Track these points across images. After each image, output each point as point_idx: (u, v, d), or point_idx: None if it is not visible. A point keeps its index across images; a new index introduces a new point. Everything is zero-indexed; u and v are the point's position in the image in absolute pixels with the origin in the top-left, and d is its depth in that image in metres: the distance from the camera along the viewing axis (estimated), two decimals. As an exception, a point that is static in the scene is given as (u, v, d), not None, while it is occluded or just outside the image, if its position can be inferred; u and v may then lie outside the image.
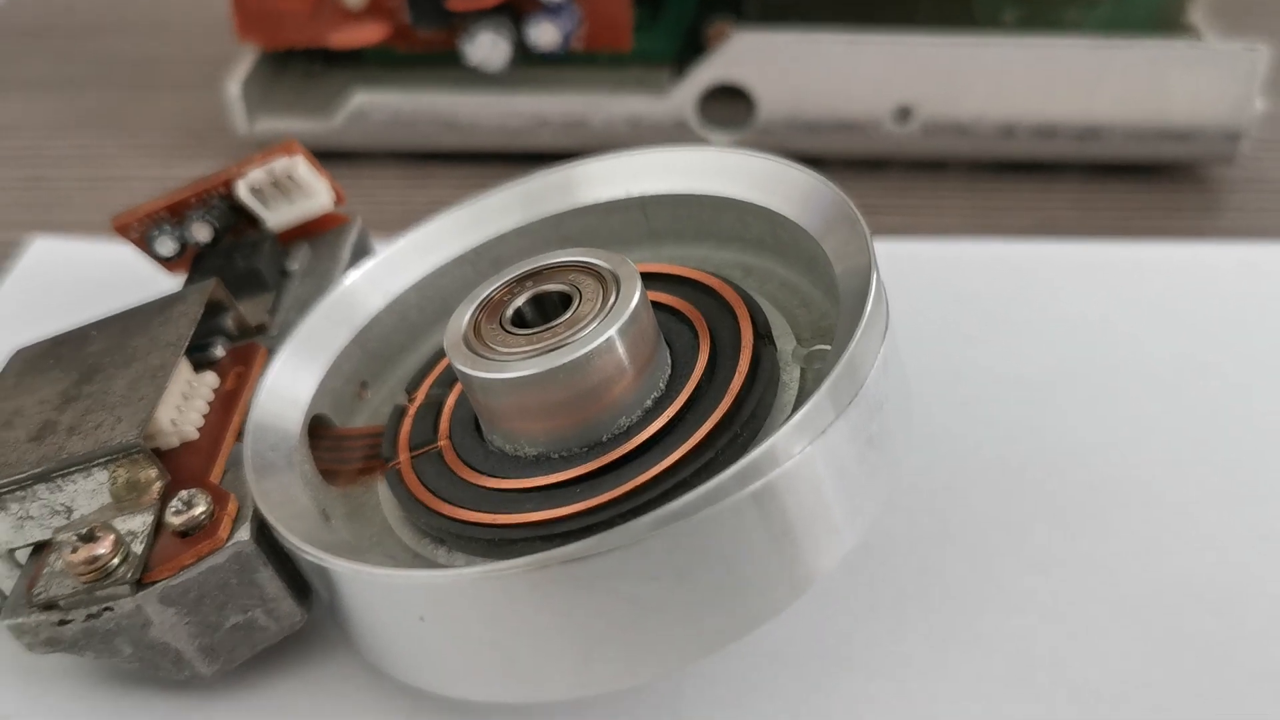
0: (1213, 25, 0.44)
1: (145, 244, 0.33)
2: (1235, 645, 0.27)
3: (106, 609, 0.24)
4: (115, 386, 0.27)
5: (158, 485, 0.26)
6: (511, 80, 0.45)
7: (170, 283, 0.35)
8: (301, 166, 0.32)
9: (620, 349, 0.24)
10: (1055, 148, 0.44)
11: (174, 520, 0.25)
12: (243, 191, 0.33)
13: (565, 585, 0.21)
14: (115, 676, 0.27)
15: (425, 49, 0.45)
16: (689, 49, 0.46)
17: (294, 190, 0.33)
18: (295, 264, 0.33)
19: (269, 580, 0.25)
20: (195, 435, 0.27)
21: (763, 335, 0.26)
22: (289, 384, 0.28)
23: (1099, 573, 0.29)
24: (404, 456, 0.27)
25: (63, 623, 0.25)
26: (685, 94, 0.44)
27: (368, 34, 0.44)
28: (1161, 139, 0.43)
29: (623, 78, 0.45)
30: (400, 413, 0.28)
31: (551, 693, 0.23)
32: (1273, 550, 0.29)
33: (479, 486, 0.25)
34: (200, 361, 0.29)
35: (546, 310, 0.26)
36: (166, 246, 0.33)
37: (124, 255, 0.36)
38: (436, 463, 0.26)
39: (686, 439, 0.24)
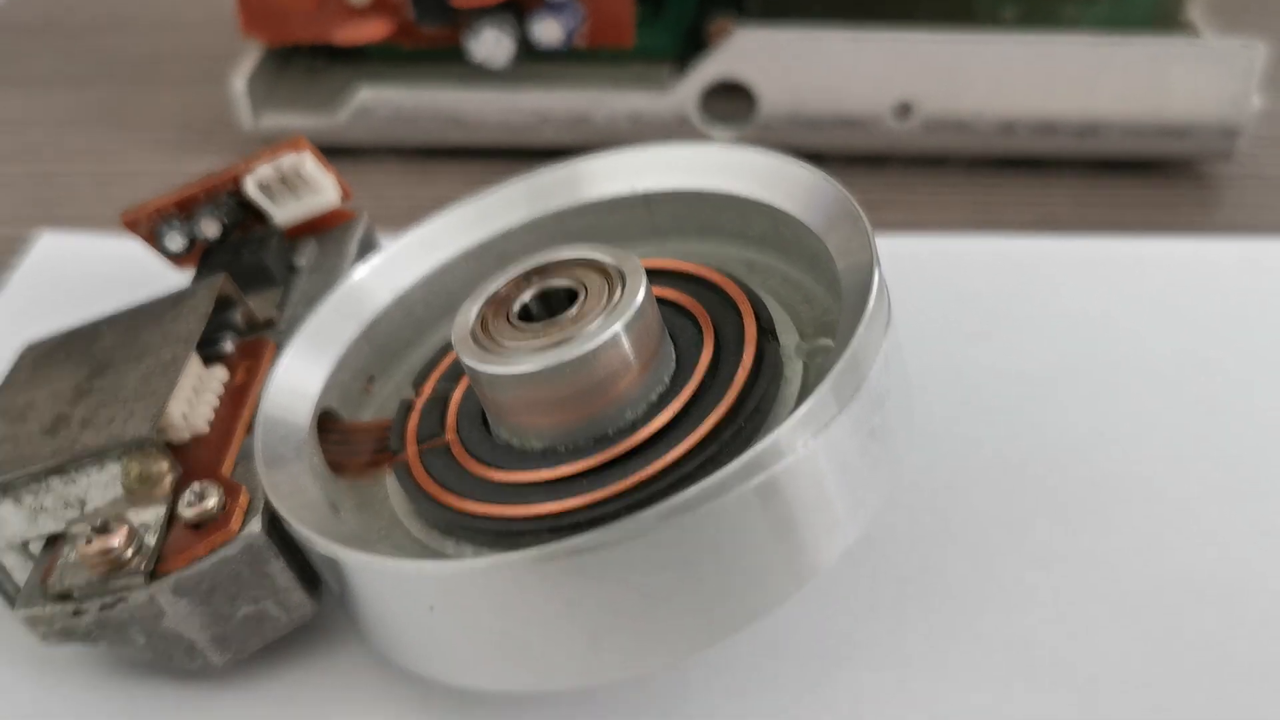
0: (1210, 23, 0.44)
1: (154, 239, 0.34)
2: (1235, 641, 0.27)
3: (120, 599, 0.25)
4: (127, 381, 0.27)
5: (169, 478, 0.26)
6: (515, 77, 0.45)
7: (178, 278, 0.35)
8: (309, 163, 0.33)
9: (626, 344, 0.24)
10: (1055, 144, 0.44)
11: (186, 512, 0.25)
12: (251, 188, 0.33)
13: (573, 576, 0.22)
14: (128, 666, 0.28)
15: (429, 45, 0.45)
16: (691, 45, 0.46)
17: (301, 186, 0.33)
18: (302, 259, 0.33)
19: (280, 572, 0.25)
20: (206, 429, 0.28)
21: (766, 330, 0.26)
22: (298, 378, 0.29)
23: (1100, 568, 0.29)
24: (412, 450, 0.27)
25: (77, 613, 0.25)
26: (687, 90, 0.44)
27: (372, 30, 0.45)
28: (1160, 135, 0.43)
29: (625, 74, 0.45)
30: (407, 407, 0.29)
31: (559, 682, 0.24)
32: (1273, 545, 0.29)
33: (487, 479, 0.25)
34: (210, 356, 0.30)
35: (552, 306, 0.26)
36: (175, 242, 0.33)
37: (131, 250, 0.36)
38: (444, 456, 0.27)
39: (691, 433, 0.24)
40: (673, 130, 0.44)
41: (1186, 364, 0.35)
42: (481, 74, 0.45)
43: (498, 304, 0.26)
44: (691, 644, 0.23)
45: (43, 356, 0.30)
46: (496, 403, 0.25)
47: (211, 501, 0.25)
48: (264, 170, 0.33)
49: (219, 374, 0.29)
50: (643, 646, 0.23)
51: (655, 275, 0.28)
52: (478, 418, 0.27)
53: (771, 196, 0.28)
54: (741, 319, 0.26)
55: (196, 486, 0.25)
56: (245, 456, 0.27)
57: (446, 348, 0.30)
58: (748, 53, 0.43)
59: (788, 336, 0.27)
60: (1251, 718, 0.26)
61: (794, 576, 0.23)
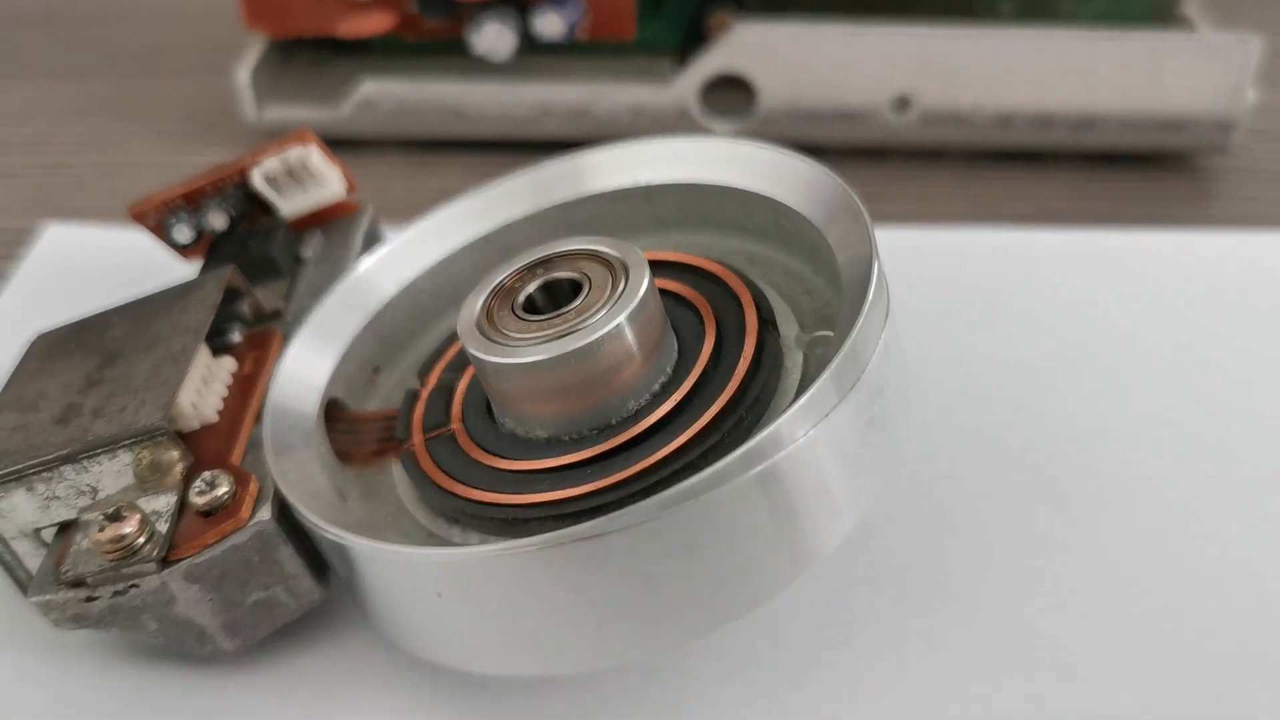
0: (1206, 17, 0.45)
1: (162, 231, 0.34)
2: (1226, 627, 0.28)
3: (133, 586, 0.25)
4: (138, 371, 0.28)
5: (180, 466, 0.26)
6: (517, 70, 0.45)
7: (185, 269, 0.35)
8: (315, 156, 0.33)
9: (629, 335, 0.25)
10: (1051, 137, 0.44)
11: (197, 500, 0.25)
12: (257, 180, 0.33)
13: (577, 563, 0.22)
14: (139, 651, 0.28)
15: (432, 38, 0.46)
16: (691, 39, 0.47)
17: (307, 179, 0.33)
18: (309, 251, 0.34)
19: (289, 559, 0.26)
20: (215, 418, 0.28)
21: (767, 321, 0.26)
22: (305, 368, 0.29)
23: (1096, 556, 0.29)
24: (418, 439, 0.28)
25: (90, 599, 0.25)
26: (687, 84, 0.44)
27: (375, 23, 0.45)
28: (1156, 129, 0.44)
29: (626, 67, 0.46)
30: (413, 396, 0.29)
31: (564, 667, 0.24)
32: (1264, 534, 0.30)
33: (492, 468, 0.26)
34: (218, 346, 0.30)
35: (557, 297, 0.27)
36: (183, 234, 0.34)
37: (137, 241, 0.36)
38: (450, 445, 0.27)
39: (693, 422, 0.25)
40: (673, 123, 0.45)
41: (1181, 355, 0.35)
42: (483, 67, 0.45)
43: (503, 295, 0.27)
44: (694, 629, 0.23)
45: (53, 346, 0.30)
46: (502, 392, 0.26)
47: (222, 490, 0.25)
48: (271, 163, 0.33)
49: (227, 364, 0.29)
50: (646, 632, 0.23)
51: (657, 267, 0.28)
52: (483, 407, 0.27)
53: (773, 190, 0.29)
54: (743, 310, 0.27)
55: (207, 475, 0.26)
56: (254, 445, 0.27)
57: (451, 338, 0.30)
58: (747, 46, 0.43)
59: (788, 327, 0.27)
60: (1245, 704, 0.26)
61: (794, 563, 0.24)
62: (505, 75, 0.45)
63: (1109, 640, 0.28)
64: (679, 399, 0.25)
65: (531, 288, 0.27)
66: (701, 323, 0.27)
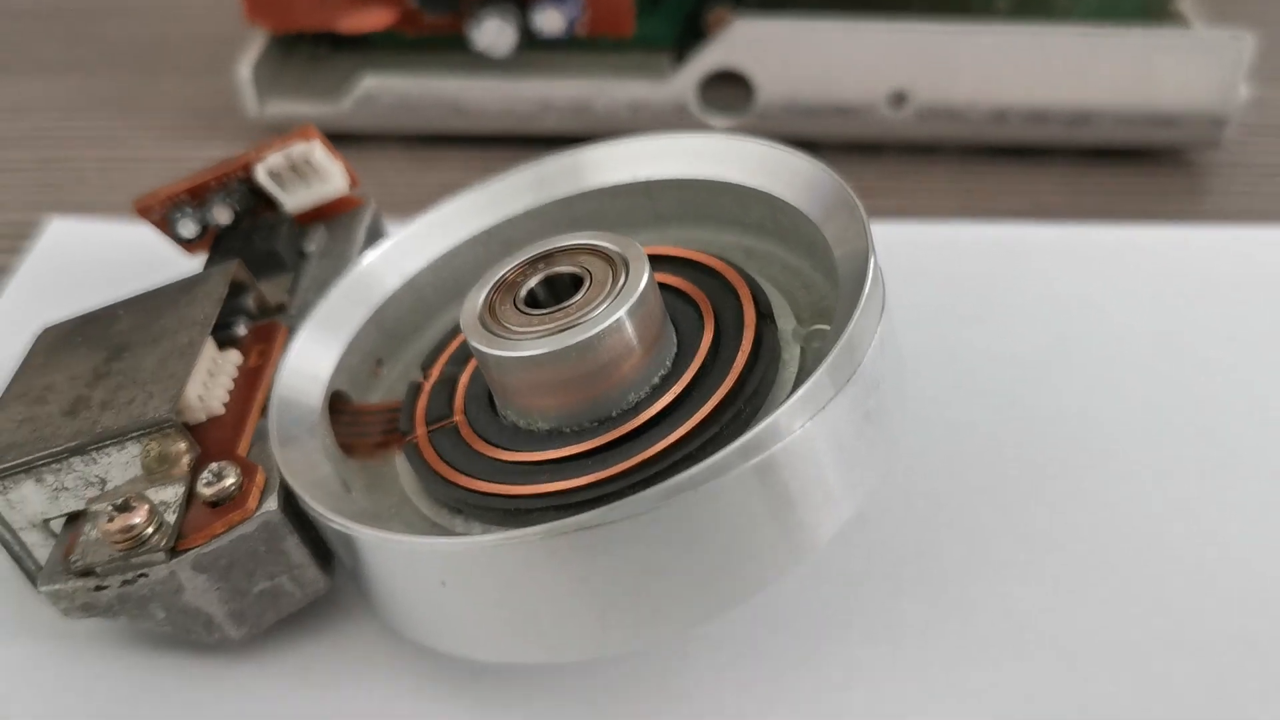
0: (1200, 13, 0.45)
1: (166, 225, 0.34)
2: (1218, 618, 0.28)
3: (141, 575, 0.26)
4: (145, 364, 0.28)
5: (187, 458, 0.27)
6: (517, 65, 0.46)
7: (189, 263, 0.36)
8: (318, 151, 0.33)
9: (629, 329, 0.25)
10: (1046, 132, 0.45)
11: (205, 491, 0.26)
12: (261, 175, 0.34)
13: (579, 552, 0.22)
14: (147, 639, 0.28)
15: (432, 34, 0.46)
16: (689, 35, 0.47)
17: (311, 174, 0.34)
18: (312, 245, 0.34)
19: (295, 548, 0.26)
20: (221, 410, 0.28)
21: (765, 315, 0.27)
22: (310, 361, 0.29)
23: (1088, 547, 0.30)
24: (421, 431, 0.28)
25: (99, 588, 0.26)
26: (686, 79, 0.45)
27: (376, 19, 0.45)
28: (1149, 124, 0.44)
29: (625, 63, 0.46)
30: (416, 389, 0.29)
31: (566, 654, 0.25)
32: (1256, 525, 0.30)
33: (495, 459, 0.26)
34: (224, 340, 0.30)
35: (558, 291, 0.27)
36: (188, 228, 0.34)
37: (140, 235, 0.37)
38: (453, 437, 0.27)
39: (692, 414, 0.25)
40: (671, 118, 0.45)
41: (1174, 349, 0.35)
42: (484, 62, 0.45)
43: (505, 289, 0.27)
44: (693, 617, 0.24)
45: (60, 340, 0.31)
46: (504, 385, 0.26)
47: (230, 481, 0.26)
48: (275, 158, 0.33)
49: (233, 357, 0.30)
50: (646, 620, 0.24)
51: (657, 261, 0.29)
52: (485, 400, 0.28)
53: (771, 185, 0.29)
54: (741, 304, 0.27)
55: (215, 466, 0.26)
56: (259, 437, 0.28)
57: (453, 331, 0.30)
58: (745, 42, 0.44)
59: (785, 321, 0.28)
60: (1237, 692, 0.27)
61: (791, 553, 0.24)
62: (505, 71, 0.46)
63: (1103, 630, 0.28)
64: (678, 392, 0.25)
65: (533, 282, 0.27)
66: (700, 317, 0.27)
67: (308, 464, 0.27)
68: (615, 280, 0.26)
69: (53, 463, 0.27)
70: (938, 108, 0.44)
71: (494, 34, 0.44)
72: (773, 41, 0.44)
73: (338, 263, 0.33)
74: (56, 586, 0.26)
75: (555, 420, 0.26)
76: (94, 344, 0.30)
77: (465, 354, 0.29)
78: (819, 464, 0.24)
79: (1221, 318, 0.37)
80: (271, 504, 0.26)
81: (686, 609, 0.24)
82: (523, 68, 0.46)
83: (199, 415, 0.28)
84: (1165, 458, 0.32)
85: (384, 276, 0.31)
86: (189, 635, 0.27)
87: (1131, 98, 0.43)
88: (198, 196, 0.34)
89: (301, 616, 0.28)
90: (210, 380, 0.29)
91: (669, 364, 0.26)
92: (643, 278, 0.25)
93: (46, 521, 0.28)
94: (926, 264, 0.38)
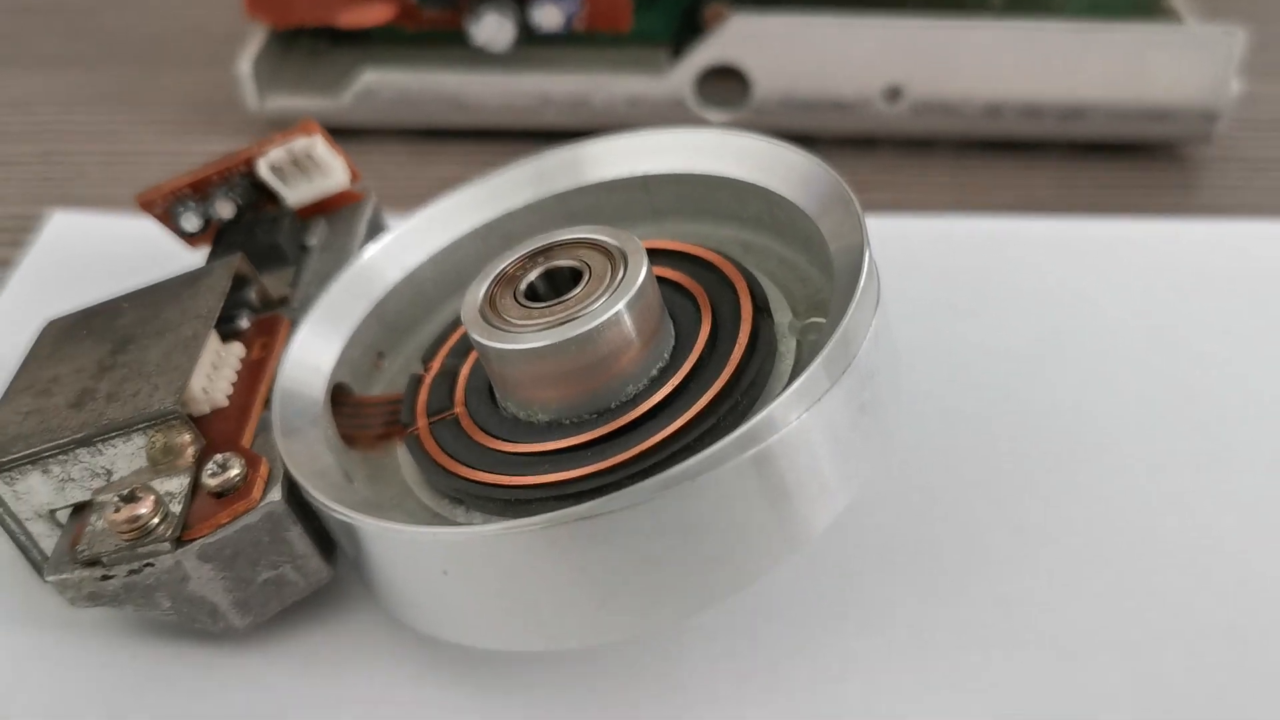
0: (1192, 9, 0.45)
1: (170, 219, 0.35)
2: (1211, 607, 0.28)
3: (148, 565, 0.26)
4: (150, 356, 0.29)
5: (192, 449, 0.27)
6: (515, 60, 0.46)
7: (190, 257, 0.36)
8: (320, 146, 0.34)
9: (628, 322, 0.25)
10: (1039, 127, 0.45)
11: (210, 482, 0.26)
12: (263, 170, 0.34)
13: (578, 541, 0.23)
14: (152, 628, 0.29)
15: (431, 29, 0.46)
16: (686, 30, 0.47)
17: (312, 169, 0.34)
18: (313, 239, 0.34)
19: (298, 538, 0.27)
20: (225, 402, 0.29)
21: (761, 309, 0.27)
22: (312, 353, 0.30)
23: (1081, 537, 0.30)
24: (422, 423, 0.28)
25: (105, 578, 0.26)
26: (683, 74, 0.45)
27: (376, 14, 0.46)
28: (1142, 119, 0.44)
29: (622, 58, 0.46)
30: (417, 381, 0.30)
31: (566, 641, 0.25)
32: (1248, 516, 0.31)
33: (495, 450, 0.26)
34: (227, 332, 0.31)
35: (558, 284, 0.27)
36: (191, 222, 0.34)
37: (142, 229, 0.37)
38: (454, 428, 0.28)
39: (690, 406, 0.25)
40: (669, 113, 0.45)
41: (1166, 341, 0.36)
42: (482, 57, 0.46)
43: (505, 283, 0.27)
44: (690, 606, 0.24)
45: (64, 332, 0.31)
46: (504, 377, 0.27)
47: (234, 471, 0.26)
48: (276, 153, 0.34)
49: (236, 350, 0.30)
50: (644, 608, 0.24)
51: (655, 255, 0.29)
52: (485, 392, 0.28)
53: (768, 180, 0.29)
54: (738, 298, 0.27)
55: (219, 457, 0.27)
56: (263, 429, 0.28)
57: (454, 324, 0.31)
58: (742, 37, 0.44)
59: (781, 314, 0.28)
60: (1229, 680, 0.27)
61: (787, 543, 0.24)
62: (504, 66, 0.46)
63: (1096, 621, 0.28)
64: (676, 384, 0.26)
65: (533, 275, 0.27)
66: (698, 310, 0.28)
67: (310, 455, 0.27)
68: (614, 274, 0.26)
69: (59, 454, 0.27)
70: (932, 102, 0.45)
71: (493, 29, 0.45)
72: (769, 37, 0.44)
73: (339, 256, 0.33)
74: (63, 576, 0.26)
75: (555, 412, 0.26)
76: (99, 337, 0.30)
77: (465, 346, 0.30)
78: (815, 455, 0.24)
79: (1213, 311, 0.37)
80: (275, 494, 0.26)
81: (684, 598, 0.24)
82: (521, 63, 0.46)
83: (203, 407, 0.28)
84: (1158, 450, 0.32)
85: (385, 270, 0.32)
86: (194, 624, 0.27)
87: (1124, 93, 0.44)
88: (200, 190, 0.34)
89: (305, 605, 0.28)
90: (214, 372, 0.29)
91: (667, 357, 0.27)
92: (641, 271, 0.26)
93: (52, 512, 0.28)
94: (921, 257, 0.39)
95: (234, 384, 0.29)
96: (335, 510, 0.25)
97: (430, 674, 0.28)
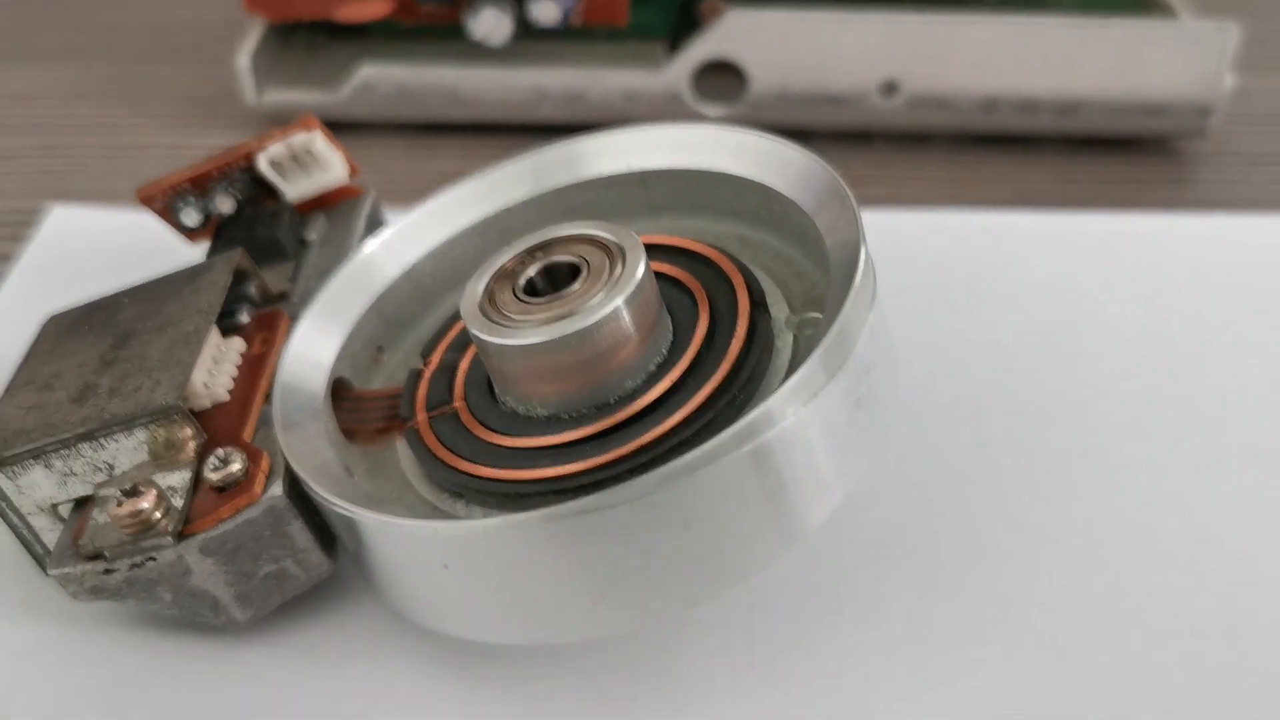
0: (1186, 4, 0.46)
1: (169, 214, 0.35)
2: (1205, 601, 0.29)
3: (150, 559, 0.26)
4: (151, 351, 0.29)
5: (193, 444, 0.27)
6: (513, 55, 0.46)
7: (189, 252, 0.36)
8: (319, 141, 0.34)
9: (626, 318, 0.26)
10: (1035, 121, 0.45)
11: (212, 476, 0.26)
12: (263, 165, 0.34)
13: (578, 535, 0.23)
14: (154, 622, 0.29)
15: (429, 23, 0.46)
16: (683, 25, 0.47)
17: (312, 164, 0.34)
18: (313, 234, 0.34)
19: (299, 532, 0.27)
20: (226, 397, 0.29)
21: (758, 304, 0.27)
22: (312, 348, 0.30)
23: (1076, 531, 0.30)
24: (422, 417, 0.28)
25: (108, 571, 0.26)
26: (679, 69, 0.45)
27: (373, 8, 0.46)
28: (1137, 113, 0.45)
29: (619, 53, 0.47)
30: (416, 376, 0.30)
31: (565, 634, 0.25)
32: (1239, 508, 0.31)
33: (495, 445, 0.27)
34: (227, 327, 0.31)
35: (556, 280, 0.27)
36: (191, 217, 0.34)
37: (141, 223, 0.37)
38: (453, 422, 0.28)
39: (688, 401, 0.25)
40: (665, 107, 0.46)
41: (1160, 335, 0.36)
42: (480, 52, 0.46)
43: (504, 278, 0.27)
44: (688, 599, 0.24)
45: (66, 328, 0.31)
46: (503, 372, 0.27)
47: (236, 466, 0.26)
48: (276, 148, 0.34)
49: (237, 344, 0.30)
50: (642, 602, 0.24)
51: (652, 250, 0.29)
52: (484, 386, 0.28)
53: (765, 176, 0.29)
54: (735, 293, 0.28)
55: (221, 452, 0.27)
56: (264, 423, 0.28)
57: (453, 319, 0.31)
58: (738, 32, 0.44)
59: (778, 309, 0.28)
60: (1222, 675, 0.27)
61: (784, 537, 0.25)
62: (501, 60, 0.46)
63: (1092, 617, 0.28)
64: (674, 379, 0.26)
65: (532, 271, 0.28)
66: (695, 305, 0.28)
67: (311, 449, 0.28)
68: (612, 269, 0.26)
69: (61, 449, 0.27)
70: (928, 97, 0.45)
71: (490, 24, 0.45)
72: (765, 31, 0.44)
73: (338, 251, 0.33)
74: (66, 570, 0.27)
75: (554, 406, 0.26)
76: (100, 332, 0.30)
77: (464, 341, 0.30)
78: (811, 450, 0.24)
79: (1208, 305, 0.37)
80: (277, 489, 0.26)
81: (682, 592, 0.24)
82: (519, 57, 0.46)
83: (204, 402, 0.29)
84: (1153, 444, 0.33)
85: (384, 265, 0.32)
86: (196, 617, 0.27)
87: (1119, 87, 0.44)
88: (200, 185, 0.34)
89: (306, 599, 0.29)
90: (215, 367, 0.29)
91: (665, 351, 0.27)
92: (639, 267, 0.26)
93: (55, 506, 0.28)
94: (916, 251, 0.39)
95: (235, 379, 0.29)
96: (336, 504, 0.25)
97: (430, 667, 0.28)
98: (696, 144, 0.31)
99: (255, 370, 0.30)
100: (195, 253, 0.36)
